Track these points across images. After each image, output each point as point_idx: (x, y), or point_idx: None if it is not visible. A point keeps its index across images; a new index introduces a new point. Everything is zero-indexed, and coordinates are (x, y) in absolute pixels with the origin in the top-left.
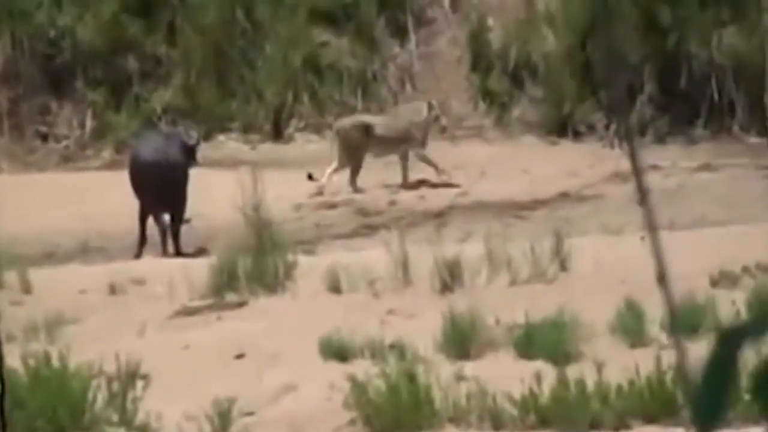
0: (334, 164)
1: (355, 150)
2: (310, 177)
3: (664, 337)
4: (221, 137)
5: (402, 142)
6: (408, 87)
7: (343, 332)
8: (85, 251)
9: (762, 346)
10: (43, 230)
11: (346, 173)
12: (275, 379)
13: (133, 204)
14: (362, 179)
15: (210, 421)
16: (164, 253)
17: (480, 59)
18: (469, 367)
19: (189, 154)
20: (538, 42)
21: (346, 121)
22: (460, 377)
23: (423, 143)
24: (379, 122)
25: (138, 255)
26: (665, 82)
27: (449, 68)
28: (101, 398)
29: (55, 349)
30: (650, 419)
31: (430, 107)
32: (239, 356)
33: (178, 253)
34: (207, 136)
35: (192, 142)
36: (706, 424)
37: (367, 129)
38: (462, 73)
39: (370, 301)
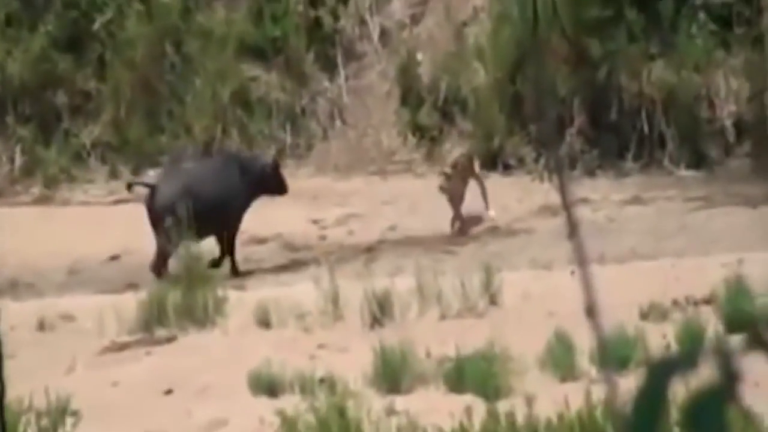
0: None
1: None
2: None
3: (594, 371)
4: (151, 172)
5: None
6: (338, 121)
7: (273, 367)
8: (15, 287)
9: (692, 380)
10: None
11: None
12: (205, 414)
13: (60, 240)
14: (290, 214)
15: None
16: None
17: (410, 93)
18: (399, 402)
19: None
20: (468, 76)
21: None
22: (390, 411)
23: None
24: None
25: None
26: (595, 115)
27: (379, 102)
28: None
29: None
30: None
31: None
32: (168, 391)
33: (235, 271)
34: (136, 171)
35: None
36: None
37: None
38: (392, 107)
39: (299, 335)
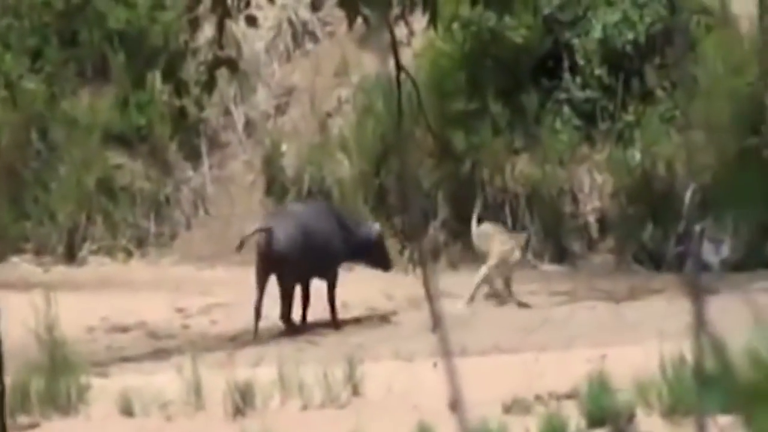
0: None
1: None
2: None
3: None
4: (14, 259)
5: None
6: (201, 211)
7: None
8: None
9: None
10: None
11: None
12: None
13: None
14: (153, 303)
15: None
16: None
17: (274, 183)
18: None
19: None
20: (332, 167)
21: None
22: None
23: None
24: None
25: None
26: (459, 208)
27: (243, 192)
28: None
29: None
30: None
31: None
32: None
33: (336, 324)
34: (0, 258)
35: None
36: None
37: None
38: (256, 197)
39: (162, 425)
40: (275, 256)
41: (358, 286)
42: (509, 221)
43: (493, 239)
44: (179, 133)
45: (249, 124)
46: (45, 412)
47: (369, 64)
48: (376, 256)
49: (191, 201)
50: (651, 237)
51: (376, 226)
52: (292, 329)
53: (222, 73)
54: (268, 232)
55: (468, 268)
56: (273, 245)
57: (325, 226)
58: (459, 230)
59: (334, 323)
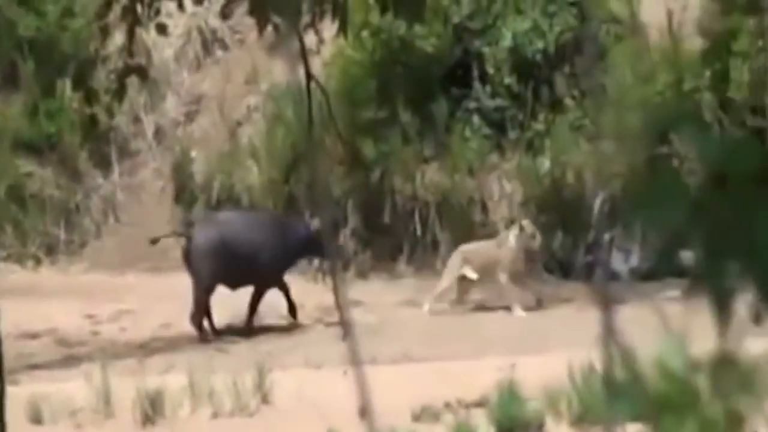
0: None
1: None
2: None
3: None
4: None
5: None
6: (111, 218)
7: None
8: None
9: None
10: None
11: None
12: None
13: None
14: (63, 310)
15: None
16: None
17: (183, 191)
18: None
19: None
20: (242, 174)
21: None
22: None
23: (509, 270)
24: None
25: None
26: (369, 216)
27: (153, 199)
28: None
29: None
30: None
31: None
32: None
33: (248, 330)
34: None
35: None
36: None
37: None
38: (166, 204)
39: None
40: (190, 263)
41: (269, 295)
42: (418, 229)
43: (476, 253)
44: (89, 141)
45: (159, 132)
46: None
47: (279, 72)
48: (314, 248)
49: (101, 209)
50: (560, 246)
51: (315, 221)
52: (203, 335)
53: (132, 81)
54: (188, 239)
55: (378, 277)
56: (190, 252)
57: (253, 235)
58: (369, 239)
59: (248, 329)
